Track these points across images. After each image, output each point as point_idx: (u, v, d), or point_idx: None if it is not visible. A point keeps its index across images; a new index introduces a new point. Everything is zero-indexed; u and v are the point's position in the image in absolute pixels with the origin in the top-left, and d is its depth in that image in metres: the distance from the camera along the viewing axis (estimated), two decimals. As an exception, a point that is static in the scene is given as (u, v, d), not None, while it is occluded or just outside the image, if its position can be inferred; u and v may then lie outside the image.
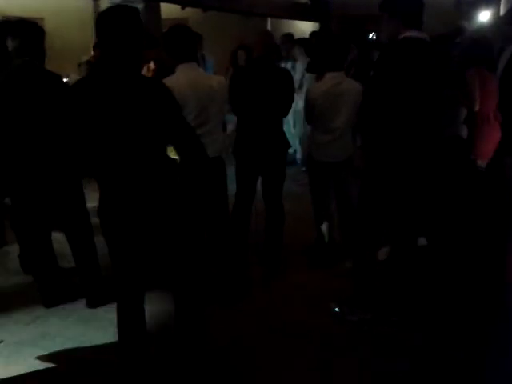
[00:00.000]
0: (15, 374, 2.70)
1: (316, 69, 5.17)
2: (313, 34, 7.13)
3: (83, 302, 3.38)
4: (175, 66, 3.10)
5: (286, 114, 3.64)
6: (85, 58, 5.68)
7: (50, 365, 2.80)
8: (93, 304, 3.35)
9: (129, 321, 2.45)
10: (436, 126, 2.90)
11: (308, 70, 5.97)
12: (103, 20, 2.12)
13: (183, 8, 7.42)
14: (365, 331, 3.01)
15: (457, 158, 3.52)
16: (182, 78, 3.01)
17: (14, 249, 4.05)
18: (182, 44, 3.05)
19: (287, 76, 3.57)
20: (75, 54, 6.07)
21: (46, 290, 3.43)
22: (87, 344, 2.96)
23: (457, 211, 3.35)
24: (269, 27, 10.29)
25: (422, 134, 2.82)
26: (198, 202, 3.17)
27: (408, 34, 2.73)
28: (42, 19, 7.59)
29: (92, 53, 5.55)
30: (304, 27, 10.09)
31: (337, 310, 3.18)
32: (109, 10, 2.15)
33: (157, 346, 2.79)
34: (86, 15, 7.28)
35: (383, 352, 2.84)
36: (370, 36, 9.42)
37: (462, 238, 3.35)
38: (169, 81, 2.95)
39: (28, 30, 3.13)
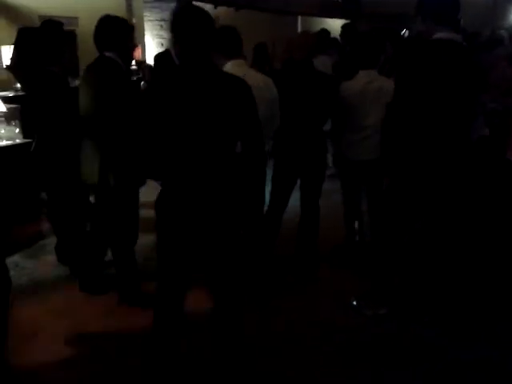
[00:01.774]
0: (52, 362, 2.80)
1: (348, 67, 5.13)
2: (345, 26, 7.01)
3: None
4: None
5: (327, 118, 3.59)
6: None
7: (85, 354, 2.89)
8: (125, 299, 3.39)
9: (166, 321, 2.42)
10: (465, 129, 2.87)
11: (334, 71, 5.89)
12: (184, 18, 2.14)
13: (216, 7, 7.47)
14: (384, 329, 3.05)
15: (491, 159, 3.47)
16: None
17: (51, 242, 4.16)
18: (233, 41, 3.11)
19: (330, 81, 3.55)
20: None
21: (82, 278, 3.53)
22: (121, 336, 3.03)
23: (493, 212, 3.30)
24: (299, 25, 10.29)
25: (450, 136, 2.78)
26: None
27: (439, 35, 2.70)
28: (76, 18, 7.78)
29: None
30: (335, 25, 10.04)
31: (354, 303, 3.27)
32: (187, 9, 2.17)
33: (191, 344, 2.83)
34: (119, 13, 7.38)
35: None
36: (402, 33, 9.32)
37: (498, 239, 3.30)
38: None
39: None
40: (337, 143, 3.80)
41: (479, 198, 3.21)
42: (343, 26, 6.91)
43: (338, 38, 6.86)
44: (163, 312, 2.43)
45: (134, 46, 3.43)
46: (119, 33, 3.19)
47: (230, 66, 3.10)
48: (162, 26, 8.34)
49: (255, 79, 3.18)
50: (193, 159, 2.15)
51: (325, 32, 6.52)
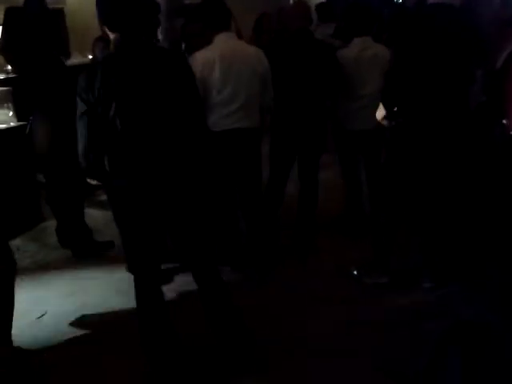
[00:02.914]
0: (58, 343, 2.84)
1: (343, 34, 5.05)
2: None
3: (121, 273, 3.48)
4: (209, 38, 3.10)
5: (327, 89, 3.51)
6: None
7: (89, 335, 2.93)
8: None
9: (146, 296, 2.50)
10: (464, 94, 2.85)
11: (334, 35, 5.83)
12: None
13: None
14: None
15: (488, 124, 3.45)
16: (221, 47, 3.02)
17: (51, 224, 4.17)
18: (220, 14, 3.06)
19: (330, 50, 3.50)
20: (97, 30, 6.07)
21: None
22: (125, 314, 3.06)
23: (491, 180, 3.30)
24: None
25: (449, 102, 2.78)
26: (229, 173, 3.21)
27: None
28: (63, 1, 7.62)
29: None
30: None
31: (355, 272, 3.30)
32: None
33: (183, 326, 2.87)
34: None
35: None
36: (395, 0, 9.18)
37: (495, 204, 3.32)
38: (209, 50, 3.01)
39: None
40: (335, 114, 3.77)
41: (478, 166, 3.20)
42: None
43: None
44: (142, 287, 2.50)
45: None
46: None
47: (218, 40, 3.06)
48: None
49: (247, 52, 3.15)
50: (141, 135, 2.21)
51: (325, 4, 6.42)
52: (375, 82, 3.42)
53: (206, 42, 3.11)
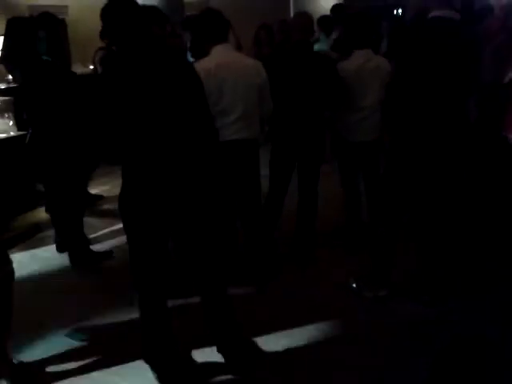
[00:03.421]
0: (54, 355, 2.83)
1: (342, 47, 5.08)
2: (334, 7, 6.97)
3: (118, 283, 3.45)
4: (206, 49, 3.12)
5: (327, 100, 3.51)
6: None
7: (87, 343, 2.91)
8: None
9: (150, 308, 2.52)
10: (462, 107, 2.86)
11: (333, 48, 5.88)
12: (108, 12, 2.26)
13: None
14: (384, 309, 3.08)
15: (486, 136, 3.47)
16: (218, 59, 3.02)
17: (49, 234, 4.17)
18: (217, 26, 3.06)
19: (329, 62, 3.51)
20: (98, 40, 6.10)
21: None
22: (123, 327, 3.05)
23: (490, 189, 3.31)
24: (291, 4, 10.16)
25: (448, 114, 2.78)
26: (229, 184, 3.22)
27: (436, 13, 2.67)
28: (66, 7, 7.68)
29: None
30: (327, 4, 9.93)
31: (354, 285, 3.28)
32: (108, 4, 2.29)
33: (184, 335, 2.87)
34: (109, 2, 7.30)
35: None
36: (396, 12, 9.25)
37: (496, 217, 3.32)
38: (206, 62, 3.02)
39: None
40: (335, 125, 3.78)
41: (478, 177, 3.21)
42: (333, 8, 6.85)
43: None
44: (147, 304, 2.52)
45: None
46: None
47: (216, 51, 3.07)
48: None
49: (244, 63, 3.16)
50: (151, 141, 2.23)
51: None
52: (376, 93, 3.43)
53: (204, 53, 3.12)
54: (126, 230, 2.42)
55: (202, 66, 2.96)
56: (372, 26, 3.58)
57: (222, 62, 3.01)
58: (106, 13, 2.26)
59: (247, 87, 3.08)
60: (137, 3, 2.31)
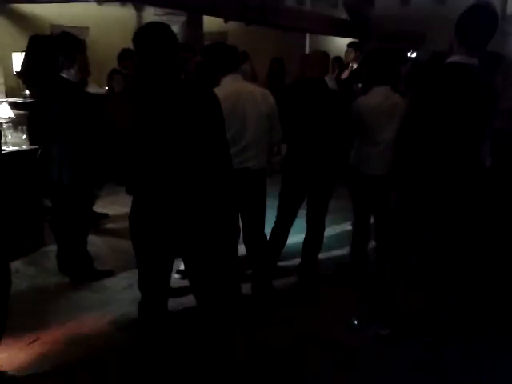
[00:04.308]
0: (49, 372, 2.78)
1: (362, 82, 5.13)
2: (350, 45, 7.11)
3: (117, 304, 3.44)
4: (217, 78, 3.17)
5: (340, 136, 3.56)
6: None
7: (83, 360, 2.86)
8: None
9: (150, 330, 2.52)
10: (475, 152, 2.85)
11: (355, 80, 5.92)
12: (142, 36, 2.22)
13: (226, 21, 7.53)
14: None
15: (501, 183, 3.43)
16: (227, 89, 3.07)
17: (52, 249, 4.15)
18: (227, 57, 3.13)
19: (342, 99, 3.55)
20: (115, 62, 6.23)
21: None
22: (117, 347, 3.01)
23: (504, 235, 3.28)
24: (307, 42, 10.35)
25: (459, 159, 2.76)
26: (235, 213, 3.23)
27: (455, 58, 2.67)
28: (87, 28, 7.86)
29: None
30: (343, 43, 10.11)
31: (355, 322, 3.25)
32: (144, 27, 2.26)
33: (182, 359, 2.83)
34: (130, 25, 7.51)
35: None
36: (409, 54, 9.38)
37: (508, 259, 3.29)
38: (215, 92, 3.05)
39: None
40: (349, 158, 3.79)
41: (489, 220, 3.18)
42: (349, 45, 6.99)
43: (343, 56, 6.97)
44: (147, 307, 2.51)
45: None
46: None
47: (226, 81, 3.13)
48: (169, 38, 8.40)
49: (252, 93, 3.20)
50: (165, 169, 2.23)
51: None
52: (393, 129, 3.43)
53: (215, 83, 3.16)
54: (134, 248, 2.41)
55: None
56: (390, 63, 3.61)
57: (230, 92, 3.06)
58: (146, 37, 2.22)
59: (255, 116, 3.13)
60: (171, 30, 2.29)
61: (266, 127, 3.17)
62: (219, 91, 3.04)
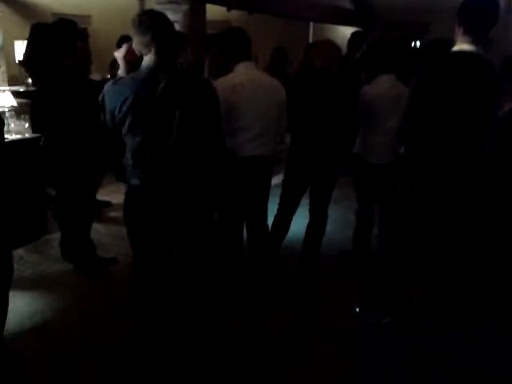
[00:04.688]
0: (53, 356, 2.81)
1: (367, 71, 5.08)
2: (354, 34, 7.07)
3: (120, 290, 3.46)
4: (228, 65, 3.16)
5: (346, 126, 3.55)
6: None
7: (86, 347, 2.89)
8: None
9: (145, 317, 2.57)
10: (479, 141, 2.84)
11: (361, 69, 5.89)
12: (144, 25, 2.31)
13: (229, 10, 7.48)
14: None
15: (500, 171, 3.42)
16: (242, 76, 3.07)
17: (55, 237, 4.18)
18: (241, 44, 3.12)
19: (349, 89, 3.53)
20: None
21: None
22: (120, 333, 3.03)
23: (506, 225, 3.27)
24: (311, 31, 10.29)
25: (462, 147, 2.75)
26: (240, 199, 3.24)
27: (461, 47, 2.65)
28: (89, 17, 7.83)
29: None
30: (347, 32, 10.05)
31: (357, 309, 3.28)
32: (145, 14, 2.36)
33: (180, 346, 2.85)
34: (132, 14, 7.45)
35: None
36: (413, 44, 9.32)
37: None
38: (230, 78, 3.07)
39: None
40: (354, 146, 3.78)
41: (491, 210, 3.18)
42: (353, 34, 6.95)
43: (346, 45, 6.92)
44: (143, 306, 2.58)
45: None
46: None
47: (239, 69, 3.12)
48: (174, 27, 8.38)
49: (265, 81, 3.20)
50: (162, 157, 2.26)
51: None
52: (399, 118, 3.42)
53: (226, 70, 3.16)
54: (129, 236, 2.46)
55: (227, 82, 3.01)
56: (395, 51, 3.58)
57: (247, 80, 3.06)
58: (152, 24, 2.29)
59: (268, 105, 3.14)
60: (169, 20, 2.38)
61: (275, 116, 3.18)
62: (234, 78, 3.06)
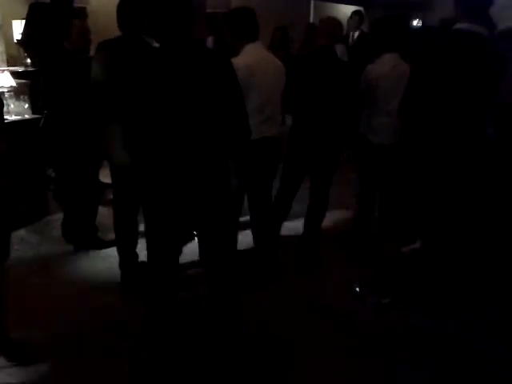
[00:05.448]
0: (54, 335, 2.84)
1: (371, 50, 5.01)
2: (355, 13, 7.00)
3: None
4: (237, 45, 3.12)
5: (348, 109, 3.50)
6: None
7: (88, 326, 2.92)
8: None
9: (158, 302, 2.51)
10: (479, 122, 2.83)
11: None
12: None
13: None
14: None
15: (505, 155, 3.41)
16: (255, 57, 3.04)
17: (56, 218, 4.20)
18: (251, 24, 3.07)
19: (351, 70, 3.49)
20: (117, 30, 6.14)
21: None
22: (122, 313, 3.06)
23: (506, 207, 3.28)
24: (312, 9, 10.18)
25: (462, 128, 2.75)
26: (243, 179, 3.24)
27: (462, 25, 2.63)
28: (87, 0, 7.73)
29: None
30: (347, 11, 9.93)
31: (357, 289, 3.30)
32: None
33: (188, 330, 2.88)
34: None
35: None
36: (415, 23, 9.21)
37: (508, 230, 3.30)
38: (245, 58, 3.01)
39: None
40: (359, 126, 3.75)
41: (492, 192, 3.18)
42: (354, 13, 6.88)
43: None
44: (155, 293, 2.50)
45: None
46: None
47: (250, 49, 3.08)
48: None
49: (273, 63, 3.18)
50: (177, 137, 2.17)
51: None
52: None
53: (234, 51, 3.10)
54: (145, 219, 2.41)
55: (244, 62, 2.94)
56: (399, 30, 3.52)
57: (258, 60, 3.04)
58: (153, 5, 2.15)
59: (277, 86, 3.16)
60: None
61: (279, 97, 3.22)
62: (249, 58, 3.01)
